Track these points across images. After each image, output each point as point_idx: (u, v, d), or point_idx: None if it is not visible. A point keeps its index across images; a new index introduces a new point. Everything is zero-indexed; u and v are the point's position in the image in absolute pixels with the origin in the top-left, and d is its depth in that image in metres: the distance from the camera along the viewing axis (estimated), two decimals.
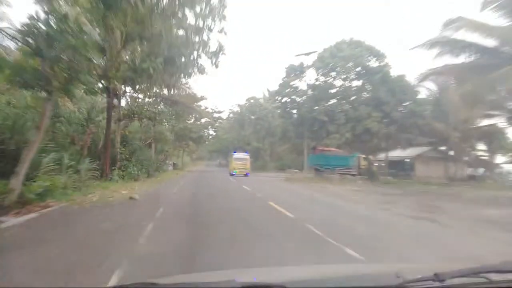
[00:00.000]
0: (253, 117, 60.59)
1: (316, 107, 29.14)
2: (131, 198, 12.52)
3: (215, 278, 1.98)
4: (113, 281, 4.14)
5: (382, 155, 38.34)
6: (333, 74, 28.69)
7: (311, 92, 29.31)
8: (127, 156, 24.18)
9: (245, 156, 39.65)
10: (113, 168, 21.84)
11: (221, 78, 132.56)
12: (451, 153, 35.75)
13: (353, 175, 32.86)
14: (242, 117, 61.45)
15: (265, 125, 58.50)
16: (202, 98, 26.70)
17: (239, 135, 61.57)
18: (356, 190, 21.89)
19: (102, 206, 10.55)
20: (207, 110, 59.78)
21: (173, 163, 60.21)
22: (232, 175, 36.35)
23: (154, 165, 35.10)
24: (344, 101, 27.33)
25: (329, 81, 29.00)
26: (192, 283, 1.83)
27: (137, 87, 17.51)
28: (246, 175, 36.38)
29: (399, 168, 40.68)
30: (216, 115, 62.03)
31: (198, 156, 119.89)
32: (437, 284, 1.61)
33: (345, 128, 26.73)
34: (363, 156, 37.29)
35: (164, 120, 39.53)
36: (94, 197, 12.19)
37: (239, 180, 27.66)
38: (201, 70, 13.87)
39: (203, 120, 58.76)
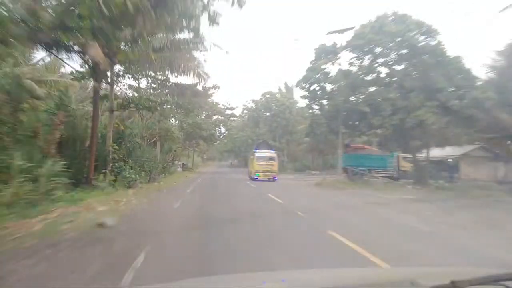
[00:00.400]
0: (268, 114, 55.49)
1: (354, 96, 23.87)
2: (99, 225, 7.63)
3: (242, 282, 1.90)
4: None
5: (419, 154, 32.89)
6: (375, 54, 23.42)
7: (347, 78, 24.10)
8: (122, 156, 19.43)
9: (272, 153, 30.06)
10: (103, 171, 17.15)
11: (234, 72, 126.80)
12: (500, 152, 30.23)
13: (393, 178, 27.51)
14: (257, 113, 56.35)
15: (282, 122, 53.39)
16: (215, 87, 22.14)
17: (254, 133, 56.56)
18: (416, 200, 16.72)
19: (22, 252, 5.64)
20: (219, 106, 55.06)
21: (183, 163, 55.61)
22: (254, 179, 27.99)
23: (159, 166, 30.43)
24: (389, 88, 22.00)
25: (369, 64, 23.72)
26: None
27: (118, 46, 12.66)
28: (273, 179, 28.08)
29: (440, 169, 35.16)
30: (228, 112, 57.16)
31: (209, 157, 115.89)
32: None
33: (391, 120, 21.43)
34: (403, 155, 31.95)
35: (171, 115, 34.84)
36: (38, 224, 7.36)
37: (261, 185, 22.62)
38: (213, 19, 8.99)
39: (214, 118, 54.01)
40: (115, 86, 19.71)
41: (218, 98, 54.34)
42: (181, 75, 18.00)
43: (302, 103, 78.62)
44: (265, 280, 1.90)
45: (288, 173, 50.57)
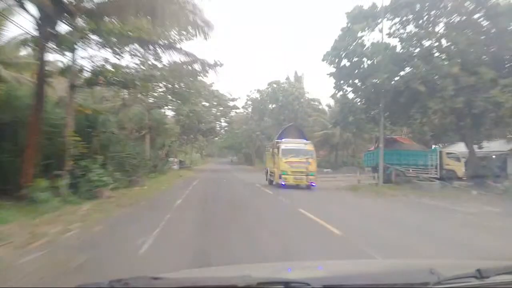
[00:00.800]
0: (274, 106, 49.73)
1: (399, 75, 18.19)
2: None
3: (227, 273, 1.88)
4: None
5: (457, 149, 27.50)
6: (428, 18, 17.83)
7: (391, 50, 18.50)
8: (88, 151, 13.88)
9: (307, 144, 20.28)
10: (54, 173, 11.66)
11: (236, 61, 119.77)
12: None
13: (436, 179, 22.00)
14: (263, 104, 50.49)
15: (290, 115, 47.73)
16: (216, 64, 16.82)
17: (258, 126, 50.81)
18: (509, 215, 11.32)
19: None
20: (220, 95, 49.41)
21: (180, 160, 50.09)
22: (280, 186, 18.38)
23: (148, 164, 24.91)
24: (448, 62, 16.40)
25: (419, 31, 18.10)
26: (199, 279, 1.61)
27: None
28: (310, 186, 18.78)
29: (483, 167, 29.74)
30: (230, 103, 51.32)
31: (208, 153, 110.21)
32: (478, 282, 1.45)
33: (453, 103, 15.86)
34: (448, 151, 26.54)
35: (164, 104, 29.21)
36: None
37: (290, 195, 15.04)
38: None
39: (214, 110, 48.43)
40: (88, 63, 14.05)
41: (220, 87, 49.14)
42: (169, 26, 12.39)
43: (313, 93, 72.16)
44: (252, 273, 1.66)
45: None
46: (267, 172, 22.71)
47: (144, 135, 26.81)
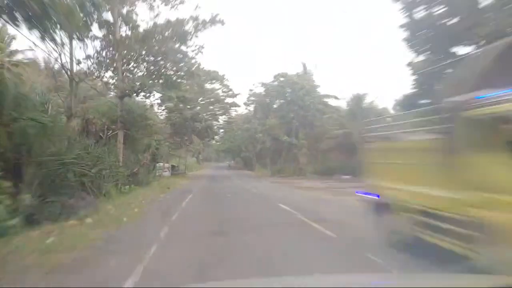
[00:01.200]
0: (282, 101, 42.37)
1: None
2: None
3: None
4: None
5: None
6: None
7: None
8: None
9: None
10: None
11: (237, 51, 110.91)
12: None
13: None
14: (269, 99, 42.85)
15: (300, 112, 40.51)
16: (215, 21, 10.04)
17: (262, 125, 43.39)
18: None
19: None
20: (216, 91, 42.22)
21: (172, 166, 42.73)
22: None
23: (121, 174, 17.47)
24: None
25: None
26: None
27: None
28: None
29: None
30: (229, 100, 44.09)
31: (204, 157, 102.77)
32: None
33: None
34: None
35: (145, 89, 21.76)
36: None
37: None
38: None
39: (211, 107, 41.17)
40: None
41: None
42: None
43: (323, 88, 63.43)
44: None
45: (309, 178, 38.08)
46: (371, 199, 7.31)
47: (115, 133, 19.39)
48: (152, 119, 25.74)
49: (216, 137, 60.69)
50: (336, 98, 42.22)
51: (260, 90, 44.44)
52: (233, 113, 45.64)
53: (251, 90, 45.00)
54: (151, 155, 27.49)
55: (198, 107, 37.54)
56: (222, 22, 12.22)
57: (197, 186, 25.39)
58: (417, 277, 2.71)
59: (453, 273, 3.65)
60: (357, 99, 40.17)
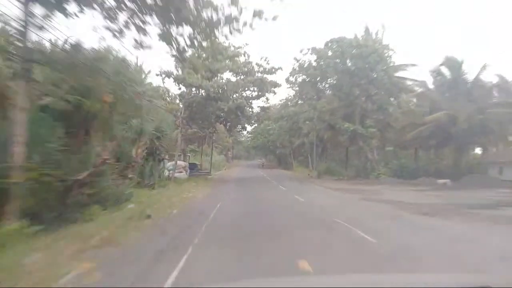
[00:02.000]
0: (339, 76, 29.98)
1: None
2: None
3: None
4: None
5: None
6: None
7: None
8: None
9: None
10: None
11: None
12: None
13: None
14: (324, 69, 30.07)
15: (369, 88, 28.17)
16: None
17: (314, 109, 31.10)
18: None
19: None
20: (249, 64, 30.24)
21: (191, 164, 32.03)
22: None
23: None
24: None
25: None
26: None
27: None
28: None
29: None
30: (266, 76, 31.40)
31: (234, 155, 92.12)
32: None
33: None
34: None
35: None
36: None
37: None
38: None
39: (242, 81, 29.41)
40: None
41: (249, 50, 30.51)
42: None
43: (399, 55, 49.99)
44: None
45: (382, 182, 25.91)
46: None
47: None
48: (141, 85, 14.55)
49: (245, 132, 49.06)
50: (413, 65, 29.51)
51: (310, 58, 31.87)
52: (272, 92, 33.07)
53: (296, 59, 32.51)
54: (144, 148, 16.36)
55: (223, 80, 26.25)
56: None
57: (217, 202, 13.89)
58: (416, 277, 2.68)
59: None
60: (456, 67, 27.33)
